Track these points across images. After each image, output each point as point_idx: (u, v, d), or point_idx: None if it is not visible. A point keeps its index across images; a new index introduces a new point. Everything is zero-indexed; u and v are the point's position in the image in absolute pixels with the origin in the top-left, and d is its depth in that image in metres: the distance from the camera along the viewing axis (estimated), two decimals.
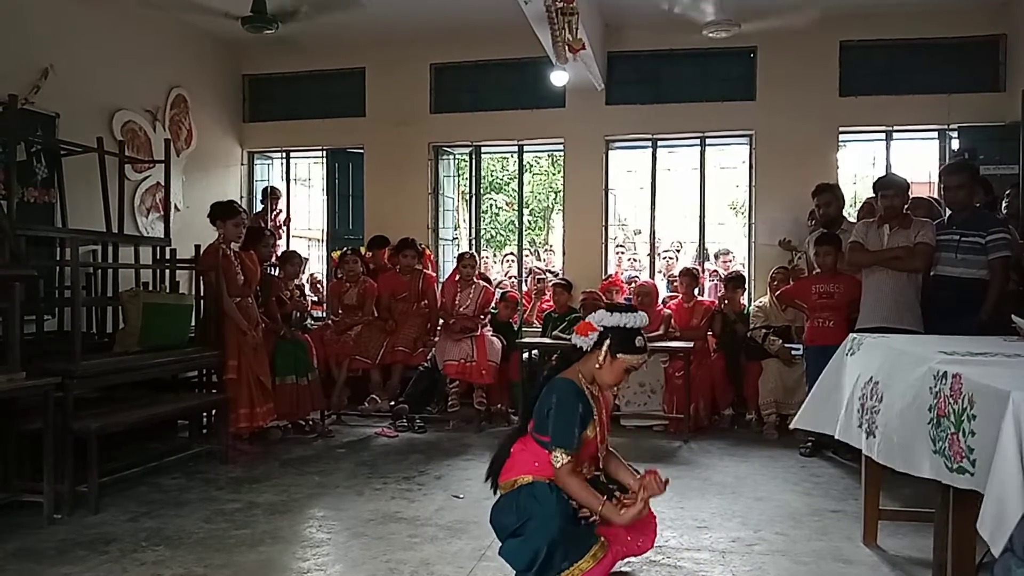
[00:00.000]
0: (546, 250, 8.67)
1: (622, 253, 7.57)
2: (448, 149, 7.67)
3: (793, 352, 5.65)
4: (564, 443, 2.70)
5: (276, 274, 6.11)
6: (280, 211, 7.75)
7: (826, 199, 5.31)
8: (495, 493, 2.94)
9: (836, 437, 3.23)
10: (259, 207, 7.83)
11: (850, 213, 5.83)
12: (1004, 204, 5.18)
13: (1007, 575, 1.95)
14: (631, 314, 2.82)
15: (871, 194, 6.17)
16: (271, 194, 7.69)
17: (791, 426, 3.79)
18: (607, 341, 2.79)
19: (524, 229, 8.52)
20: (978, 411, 2.10)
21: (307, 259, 7.32)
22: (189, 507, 3.94)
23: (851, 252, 4.77)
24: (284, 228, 7.76)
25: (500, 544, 2.84)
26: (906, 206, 4.66)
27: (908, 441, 2.48)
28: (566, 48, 5.10)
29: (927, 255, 4.45)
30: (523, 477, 2.82)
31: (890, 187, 4.66)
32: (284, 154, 7.97)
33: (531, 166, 13.59)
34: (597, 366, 2.80)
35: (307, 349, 5.78)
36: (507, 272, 7.70)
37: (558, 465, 2.70)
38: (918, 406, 2.45)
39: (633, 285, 6.72)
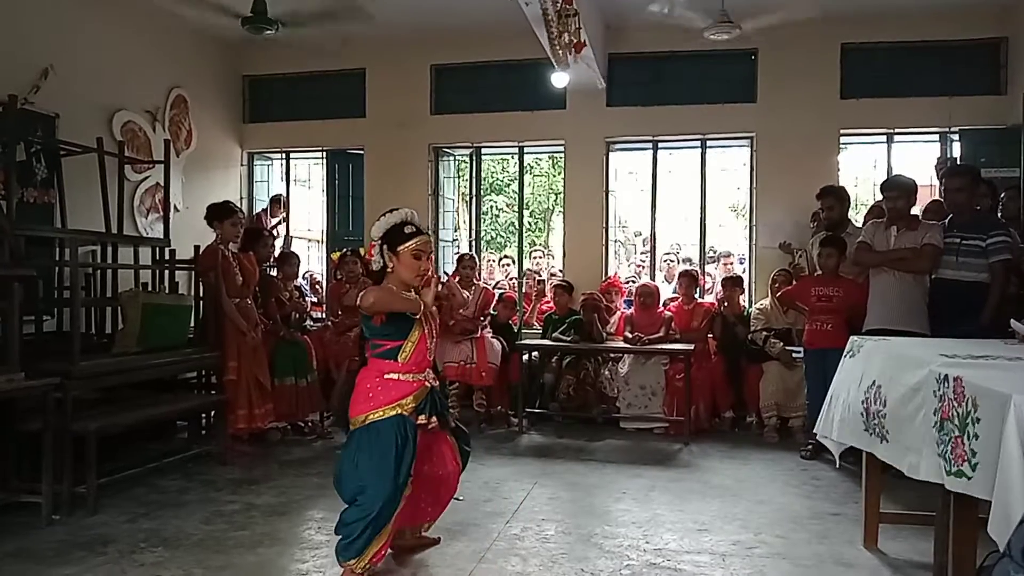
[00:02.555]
0: (541, 254, 8.64)
1: (624, 255, 7.57)
2: (448, 150, 7.66)
3: (794, 355, 5.63)
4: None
5: (275, 275, 6.10)
6: (280, 220, 7.74)
7: (830, 202, 5.30)
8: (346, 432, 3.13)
9: (842, 441, 3.22)
10: (259, 208, 7.84)
11: (853, 216, 5.82)
12: (1000, 206, 5.17)
13: None
14: (390, 213, 3.06)
15: (871, 197, 6.19)
16: (276, 201, 7.71)
17: (815, 430, 3.68)
18: (385, 247, 3.01)
19: (524, 231, 8.50)
20: (982, 414, 2.09)
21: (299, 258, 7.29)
22: (188, 508, 3.93)
23: (858, 252, 4.76)
24: (276, 233, 7.76)
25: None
26: (913, 208, 4.65)
27: (916, 444, 2.47)
28: (569, 49, 5.08)
29: (933, 257, 4.44)
30: (360, 416, 2.98)
31: (894, 188, 4.66)
32: (284, 155, 7.96)
33: (531, 168, 13.57)
34: (390, 271, 3.01)
35: (306, 350, 5.78)
36: (507, 275, 7.69)
37: (365, 296, 2.87)
38: (924, 409, 2.44)
39: (633, 286, 6.72)
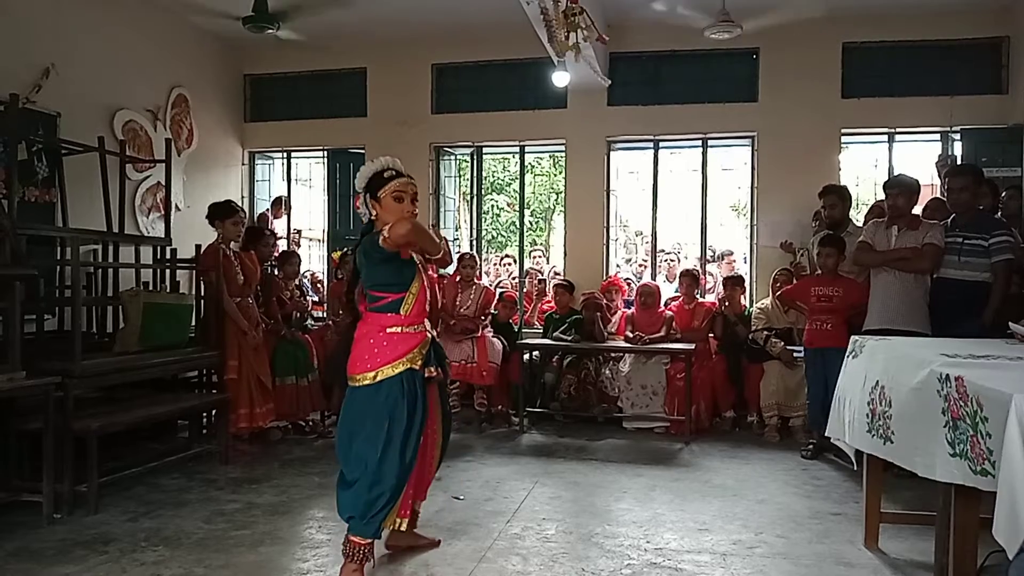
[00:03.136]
0: (542, 254, 8.65)
1: (624, 254, 7.57)
2: (449, 149, 7.66)
3: (795, 354, 5.63)
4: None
5: (276, 274, 6.10)
6: (279, 220, 7.75)
7: (831, 201, 5.29)
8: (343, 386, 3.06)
9: (852, 444, 3.21)
10: (261, 209, 7.85)
11: (854, 215, 5.82)
12: (1000, 205, 5.16)
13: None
14: (368, 164, 3.06)
15: (872, 196, 6.18)
16: (278, 203, 7.72)
17: (826, 432, 3.65)
18: (368, 196, 3.00)
19: (525, 230, 8.50)
20: (988, 413, 2.09)
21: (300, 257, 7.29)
22: (189, 507, 3.93)
23: (858, 251, 4.75)
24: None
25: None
26: (914, 207, 4.65)
27: (925, 444, 2.46)
28: (576, 47, 5.07)
29: (934, 256, 4.44)
30: (368, 373, 2.91)
31: (895, 187, 4.65)
32: (285, 154, 7.96)
33: (532, 167, 13.57)
34: (375, 216, 2.99)
35: (307, 349, 5.78)
36: (510, 274, 7.69)
37: (397, 227, 2.81)
38: (930, 409, 2.43)
39: (633, 286, 6.72)
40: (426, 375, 2.95)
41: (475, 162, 7.73)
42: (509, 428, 6.03)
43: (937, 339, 3.83)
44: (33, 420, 3.76)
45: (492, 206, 14.07)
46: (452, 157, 7.77)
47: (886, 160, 6.74)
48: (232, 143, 7.73)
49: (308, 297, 7.03)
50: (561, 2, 4.80)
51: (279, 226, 7.71)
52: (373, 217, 2.98)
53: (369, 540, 2.95)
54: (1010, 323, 3.27)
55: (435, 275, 3.39)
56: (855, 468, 3.87)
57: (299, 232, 7.91)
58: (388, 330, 2.93)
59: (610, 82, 6.79)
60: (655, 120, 6.96)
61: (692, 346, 5.80)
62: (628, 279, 7.24)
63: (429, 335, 3.03)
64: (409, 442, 2.90)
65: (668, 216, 7.79)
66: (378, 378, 2.88)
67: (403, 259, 2.95)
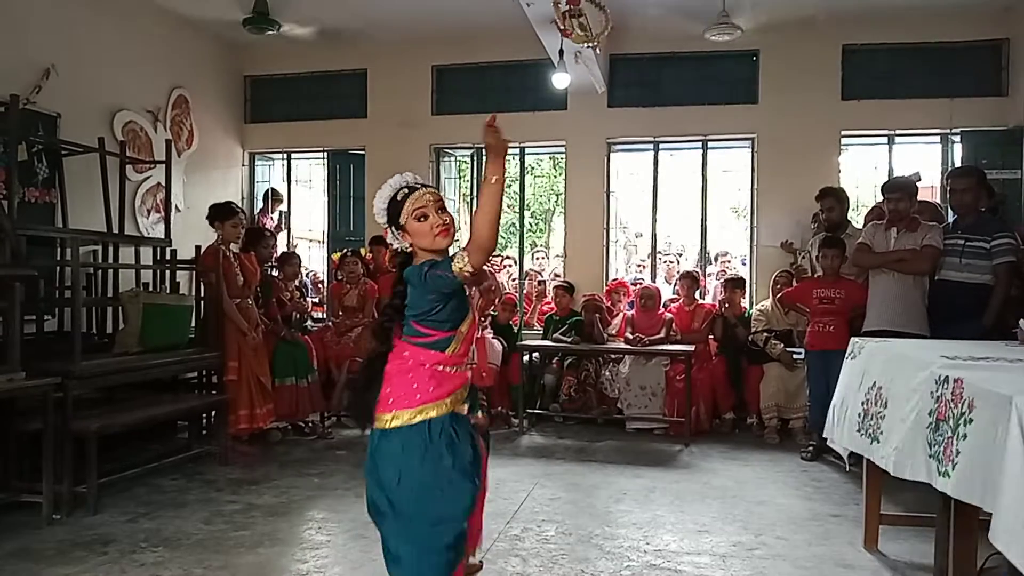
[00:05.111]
0: (543, 255, 8.65)
1: (624, 256, 7.57)
2: (449, 151, 7.67)
3: (795, 356, 5.63)
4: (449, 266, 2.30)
5: (276, 275, 6.10)
6: (275, 214, 7.75)
7: (829, 203, 5.30)
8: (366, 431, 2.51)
9: (843, 445, 3.22)
10: (260, 206, 7.85)
11: (853, 217, 5.82)
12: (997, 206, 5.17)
13: None
14: (380, 193, 2.54)
15: (872, 198, 6.18)
16: (272, 196, 7.72)
17: (825, 434, 3.62)
18: (392, 228, 2.50)
19: (525, 231, 8.51)
20: (976, 415, 2.09)
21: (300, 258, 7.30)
22: (188, 508, 3.93)
23: (857, 253, 4.76)
24: (281, 227, 7.77)
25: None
26: (913, 209, 4.65)
27: (911, 447, 2.47)
28: (589, 40, 5.06)
29: (933, 258, 4.44)
30: (404, 411, 2.39)
31: (896, 190, 4.66)
32: (285, 155, 7.97)
33: (532, 168, 13.57)
34: (409, 245, 2.47)
35: (307, 351, 5.78)
36: (509, 275, 7.70)
37: (462, 261, 2.24)
38: (920, 411, 2.44)
39: (636, 287, 6.72)
40: (475, 421, 2.55)
41: (475, 163, 7.73)
42: (509, 429, 6.03)
43: (937, 341, 3.83)
44: (33, 421, 3.76)
45: None
46: (452, 158, 7.78)
47: (886, 162, 6.74)
48: (232, 144, 7.73)
49: (308, 298, 7.03)
50: (561, 3, 4.81)
51: (277, 227, 7.70)
52: (409, 245, 2.47)
53: None
54: (1021, 321, 3.25)
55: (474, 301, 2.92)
56: (847, 469, 3.88)
57: (282, 213, 7.85)
58: (430, 365, 2.44)
59: (604, 89, 6.80)
60: (655, 122, 6.96)
61: (692, 348, 5.80)
62: (638, 280, 7.24)
63: (469, 375, 2.59)
64: (473, 487, 2.45)
65: (668, 218, 7.80)
66: (415, 420, 2.37)
67: (464, 293, 2.49)
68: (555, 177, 13.64)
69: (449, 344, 2.46)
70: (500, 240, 14.58)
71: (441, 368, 2.45)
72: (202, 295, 5.19)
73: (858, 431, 3.00)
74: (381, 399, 2.45)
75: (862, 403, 3.04)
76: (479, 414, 2.61)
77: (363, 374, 2.52)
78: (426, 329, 2.44)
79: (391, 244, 2.56)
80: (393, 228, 2.51)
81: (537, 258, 8.28)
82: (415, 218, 2.45)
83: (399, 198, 2.49)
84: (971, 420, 2.10)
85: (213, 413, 5.11)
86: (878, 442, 2.79)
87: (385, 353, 2.51)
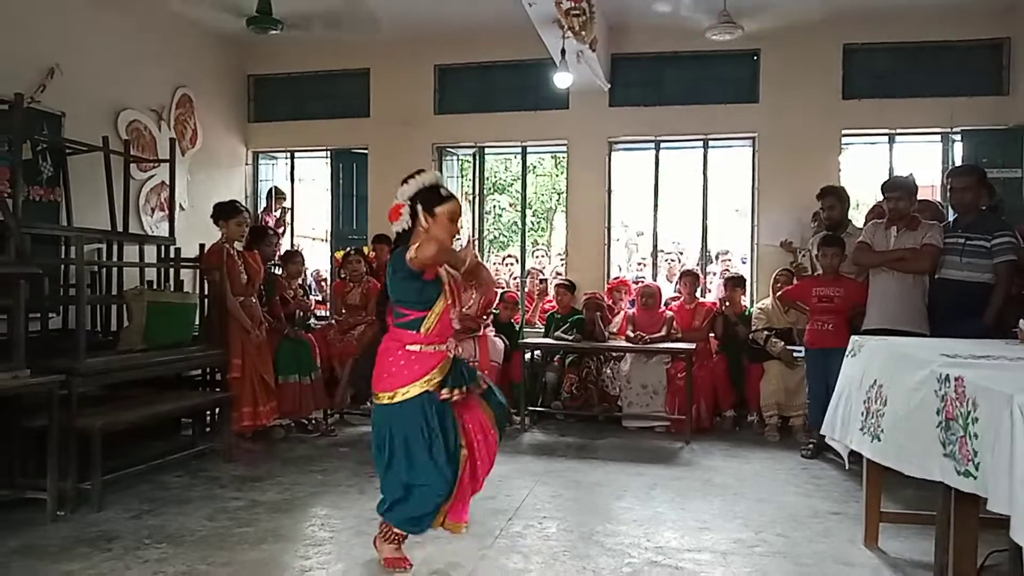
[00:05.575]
0: (544, 254, 8.66)
1: (626, 255, 7.58)
2: (452, 150, 7.68)
3: (795, 354, 5.65)
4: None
5: (279, 273, 6.12)
6: (278, 212, 7.77)
7: (830, 202, 5.30)
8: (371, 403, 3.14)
9: (844, 443, 3.23)
10: (263, 205, 7.86)
11: (854, 216, 5.83)
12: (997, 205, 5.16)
13: None
14: (420, 175, 3.02)
15: (872, 197, 6.18)
16: (275, 194, 7.73)
17: (822, 430, 3.64)
18: (419, 207, 2.95)
19: (527, 230, 8.52)
20: (980, 414, 2.10)
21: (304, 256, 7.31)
22: (192, 505, 3.95)
23: (857, 252, 4.77)
24: (283, 225, 7.79)
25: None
26: (913, 208, 4.66)
27: (917, 444, 2.48)
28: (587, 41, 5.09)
29: (933, 257, 4.45)
30: (386, 392, 2.97)
31: (896, 189, 4.67)
32: (289, 154, 7.98)
33: (534, 167, 13.57)
34: (424, 229, 2.94)
35: (310, 348, 5.79)
36: (512, 273, 7.71)
37: (411, 252, 2.83)
38: (925, 409, 2.45)
39: (637, 286, 6.74)
40: (440, 397, 2.94)
41: (477, 162, 7.74)
42: (510, 427, 6.04)
43: (937, 339, 3.84)
44: (37, 418, 3.77)
45: (494, 206, 14.08)
46: (454, 157, 7.79)
47: (886, 161, 6.75)
48: (236, 143, 7.75)
49: (311, 296, 7.04)
50: (563, 3, 4.82)
51: (279, 221, 7.71)
52: (424, 229, 2.95)
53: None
54: (1021, 321, 3.26)
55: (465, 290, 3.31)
56: (847, 467, 3.89)
57: (283, 208, 7.86)
58: (408, 347, 2.94)
59: (609, 86, 6.81)
60: (656, 121, 6.97)
61: (693, 346, 5.81)
62: (640, 278, 7.25)
63: (451, 355, 3.02)
64: (441, 467, 2.91)
65: (669, 217, 7.81)
66: (396, 399, 2.92)
67: (426, 279, 2.93)
68: (557, 176, 13.64)
69: (422, 324, 2.93)
70: (503, 238, 14.52)
71: (415, 348, 2.94)
72: (206, 293, 5.20)
73: (860, 429, 3.02)
74: (374, 376, 3.00)
75: (863, 401, 3.06)
76: (449, 390, 2.95)
77: (366, 350, 3.11)
78: (404, 309, 2.96)
79: (394, 218, 3.01)
80: (422, 208, 2.93)
81: (538, 256, 8.30)
82: (450, 217, 2.96)
83: (444, 193, 2.98)
84: (976, 419, 2.11)
85: (217, 410, 5.14)
86: (879, 440, 2.80)
87: (382, 331, 3.08)
